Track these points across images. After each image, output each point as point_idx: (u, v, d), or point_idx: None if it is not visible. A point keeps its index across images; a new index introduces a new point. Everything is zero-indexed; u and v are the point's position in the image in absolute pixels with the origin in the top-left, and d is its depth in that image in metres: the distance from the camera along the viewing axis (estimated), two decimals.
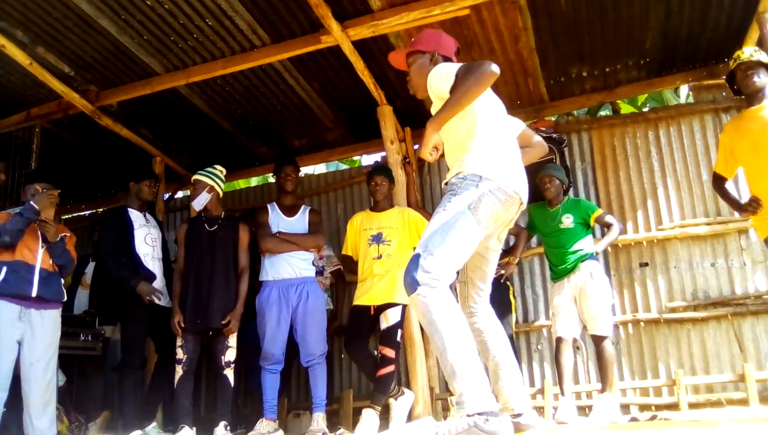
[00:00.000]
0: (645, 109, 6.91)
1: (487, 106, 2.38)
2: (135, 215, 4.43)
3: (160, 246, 4.50)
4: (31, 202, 3.59)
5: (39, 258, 3.66)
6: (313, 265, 4.35)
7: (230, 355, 4.08)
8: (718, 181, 3.68)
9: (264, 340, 4.14)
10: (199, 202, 4.24)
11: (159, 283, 4.35)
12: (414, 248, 3.45)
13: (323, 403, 4.08)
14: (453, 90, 2.20)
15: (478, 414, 1.97)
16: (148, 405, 4.37)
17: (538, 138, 2.80)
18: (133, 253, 4.29)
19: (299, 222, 4.37)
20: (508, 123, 2.47)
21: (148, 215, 4.55)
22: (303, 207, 4.50)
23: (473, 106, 2.31)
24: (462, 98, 2.15)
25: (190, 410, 4.01)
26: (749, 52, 3.44)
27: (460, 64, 2.28)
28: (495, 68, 2.15)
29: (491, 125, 2.36)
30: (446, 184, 2.36)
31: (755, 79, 3.37)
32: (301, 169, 4.87)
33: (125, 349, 4.25)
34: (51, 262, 3.72)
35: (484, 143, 2.31)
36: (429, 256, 2.11)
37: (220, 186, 4.31)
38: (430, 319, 2.07)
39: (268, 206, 4.47)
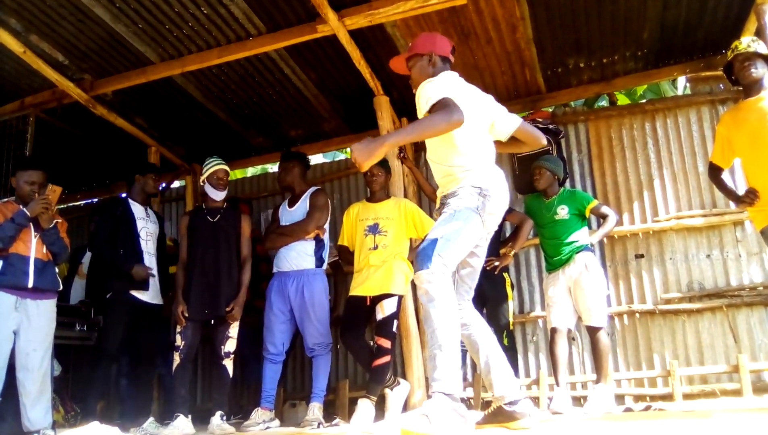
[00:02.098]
0: (642, 101, 6.90)
1: (473, 124, 2.54)
2: (137, 208, 4.40)
3: (155, 242, 4.46)
4: (24, 209, 3.58)
5: (33, 248, 3.63)
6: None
7: (230, 345, 4.08)
8: (714, 172, 3.67)
9: (264, 330, 4.19)
10: (225, 194, 4.30)
11: (154, 278, 4.33)
12: (423, 237, 3.47)
13: (322, 394, 4.08)
14: (420, 122, 2.37)
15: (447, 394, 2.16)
16: (138, 401, 4.39)
17: (535, 132, 2.84)
18: (137, 246, 4.27)
19: (299, 210, 4.32)
20: (484, 129, 2.66)
21: (149, 210, 4.52)
22: (307, 192, 4.38)
23: (462, 129, 2.47)
24: (420, 135, 2.38)
25: (187, 399, 4.00)
26: (747, 42, 3.42)
27: (443, 92, 2.44)
28: (459, 120, 2.35)
29: (477, 141, 2.58)
30: (445, 196, 2.56)
31: (753, 70, 3.35)
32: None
33: (101, 337, 4.28)
34: (45, 250, 3.69)
35: (475, 159, 2.55)
36: (446, 243, 2.34)
37: None
38: (431, 297, 2.26)
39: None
